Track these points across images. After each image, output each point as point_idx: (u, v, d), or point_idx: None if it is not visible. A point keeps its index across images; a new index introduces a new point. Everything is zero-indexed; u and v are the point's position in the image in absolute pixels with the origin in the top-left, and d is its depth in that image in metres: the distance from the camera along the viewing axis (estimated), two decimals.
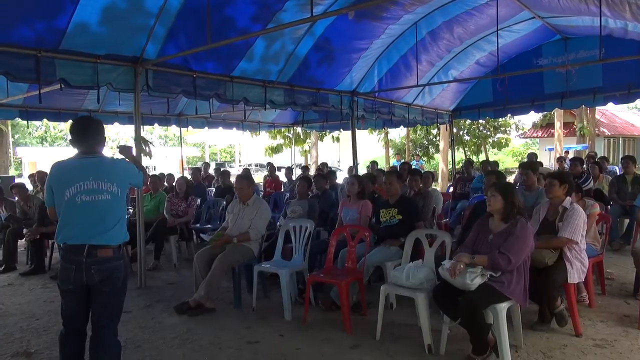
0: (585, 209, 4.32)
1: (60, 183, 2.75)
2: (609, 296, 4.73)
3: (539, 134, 27.02)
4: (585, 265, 3.89)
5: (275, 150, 18.26)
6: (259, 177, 15.28)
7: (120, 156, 3.14)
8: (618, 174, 8.44)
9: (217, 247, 4.78)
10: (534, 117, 25.53)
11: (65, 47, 4.75)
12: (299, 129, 16.43)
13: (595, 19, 6.49)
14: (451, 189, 9.85)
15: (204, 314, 4.44)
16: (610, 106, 14.14)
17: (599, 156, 12.12)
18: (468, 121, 20.12)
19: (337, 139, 21.30)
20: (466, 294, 3.22)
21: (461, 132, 22.76)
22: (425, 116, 10.48)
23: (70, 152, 2.96)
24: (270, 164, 12.12)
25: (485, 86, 10.21)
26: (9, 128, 18.23)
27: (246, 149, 40.82)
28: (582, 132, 20.68)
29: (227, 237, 4.86)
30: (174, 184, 8.45)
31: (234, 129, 11.80)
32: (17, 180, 10.86)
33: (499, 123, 22.57)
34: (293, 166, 13.47)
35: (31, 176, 9.05)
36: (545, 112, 18.45)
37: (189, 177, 9.08)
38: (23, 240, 6.65)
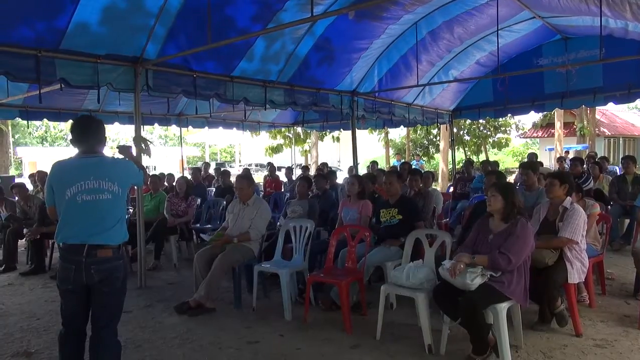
0: (586, 209, 4.32)
1: (61, 182, 2.74)
2: (609, 296, 4.73)
3: (539, 134, 27.03)
4: (585, 265, 3.89)
5: (276, 150, 18.26)
6: (259, 177, 15.29)
7: (120, 156, 3.14)
8: (618, 174, 8.44)
9: (217, 247, 4.78)
10: (534, 117, 25.56)
11: (66, 47, 4.75)
12: (299, 129, 16.42)
13: (596, 19, 6.49)
14: (451, 189, 9.85)
15: (204, 314, 4.44)
16: (611, 106, 14.15)
17: (599, 156, 12.13)
18: (468, 121, 20.10)
19: (337, 139, 21.29)
20: (466, 294, 3.22)
21: (461, 132, 22.74)
22: (426, 116, 10.48)
23: (71, 152, 2.96)
24: (270, 164, 12.13)
25: (486, 86, 10.21)
26: (9, 128, 18.24)
27: (246, 149, 40.82)
28: (582, 132, 20.67)
29: (227, 237, 4.86)
30: (174, 183, 8.45)
31: (234, 128, 11.80)
32: (17, 180, 10.86)
33: (499, 123, 22.55)
34: (293, 166, 13.48)
35: (31, 176, 9.05)
36: (545, 112, 18.48)
37: (189, 177, 9.08)
38: (23, 240, 6.65)
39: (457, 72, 9.23)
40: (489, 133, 23.19)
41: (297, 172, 13.56)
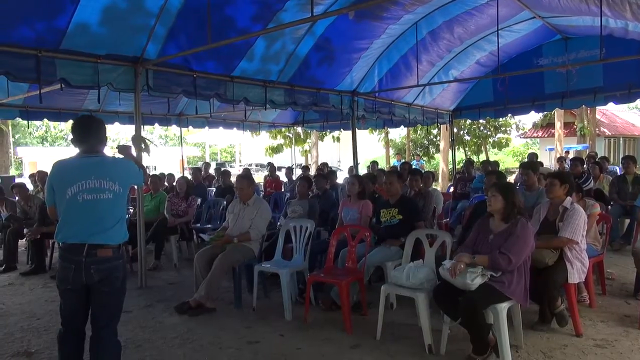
0: (586, 209, 4.32)
1: (62, 182, 2.74)
2: (610, 296, 4.72)
3: (540, 134, 27.02)
4: (585, 265, 3.89)
5: (276, 150, 18.26)
6: (259, 177, 15.30)
7: (120, 156, 3.14)
8: (618, 174, 8.44)
9: (218, 247, 4.79)
10: (534, 117, 25.56)
11: (66, 47, 4.75)
12: (299, 129, 16.42)
13: (596, 19, 6.49)
14: (452, 189, 9.85)
15: (204, 314, 4.44)
16: (611, 106, 14.13)
17: (599, 156, 12.13)
18: (468, 121, 20.08)
19: (338, 139, 21.28)
20: (466, 294, 3.22)
21: (461, 132, 22.72)
22: (426, 116, 10.47)
23: (71, 152, 2.96)
24: (270, 164, 12.13)
25: (486, 86, 10.20)
26: (10, 128, 18.24)
27: (246, 149, 40.82)
28: (582, 132, 20.66)
29: (228, 237, 4.86)
30: (174, 183, 8.44)
31: (235, 128, 11.80)
32: (17, 180, 10.88)
33: (500, 123, 22.53)
34: (293, 166, 13.48)
35: (32, 176, 9.06)
36: (545, 112, 18.45)
37: (189, 177, 9.09)
38: (24, 240, 6.66)
39: (457, 72, 9.22)
40: (489, 133, 23.17)
41: (298, 172, 13.56)
